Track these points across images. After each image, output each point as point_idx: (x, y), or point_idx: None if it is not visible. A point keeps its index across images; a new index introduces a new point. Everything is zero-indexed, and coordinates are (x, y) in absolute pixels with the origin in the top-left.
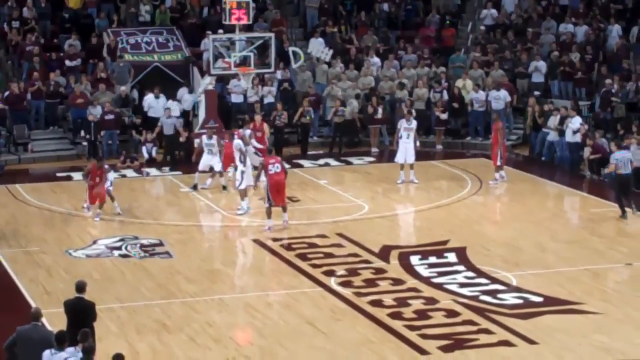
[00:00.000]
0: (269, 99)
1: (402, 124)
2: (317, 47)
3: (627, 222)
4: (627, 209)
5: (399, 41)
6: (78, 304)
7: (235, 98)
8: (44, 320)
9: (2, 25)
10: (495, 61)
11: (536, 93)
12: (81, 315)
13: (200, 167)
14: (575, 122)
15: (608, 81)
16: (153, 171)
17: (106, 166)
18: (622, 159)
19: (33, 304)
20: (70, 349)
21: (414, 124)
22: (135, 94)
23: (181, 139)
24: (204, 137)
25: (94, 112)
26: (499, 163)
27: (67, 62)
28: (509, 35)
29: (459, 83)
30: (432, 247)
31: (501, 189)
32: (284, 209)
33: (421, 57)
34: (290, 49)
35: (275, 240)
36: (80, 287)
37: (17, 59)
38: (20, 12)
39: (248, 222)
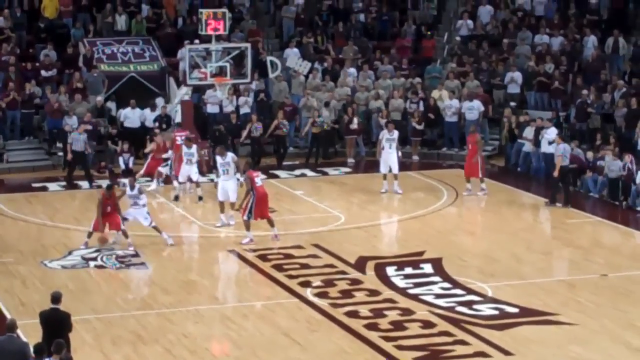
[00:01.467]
0: (245, 109)
1: (384, 134)
2: (294, 59)
3: (602, 232)
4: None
5: (375, 52)
6: (53, 315)
7: (211, 108)
8: (19, 331)
9: None
10: (471, 72)
11: (512, 104)
12: (57, 326)
13: (181, 178)
14: (551, 133)
15: (584, 92)
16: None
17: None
18: (565, 152)
19: (8, 315)
20: None
21: (396, 134)
22: (113, 105)
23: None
24: (184, 147)
25: (70, 123)
26: (480, 175)
27: (43, 72)
28: (485, 46)
29: (435, 94)
30: (408, 258)
31: (477, 201)
32: (271, 223)
33: (397, 67)
34: (268, 58)
35: (253, 251)
36: (56, 298)
37: None
38: None
39: (225, 233)
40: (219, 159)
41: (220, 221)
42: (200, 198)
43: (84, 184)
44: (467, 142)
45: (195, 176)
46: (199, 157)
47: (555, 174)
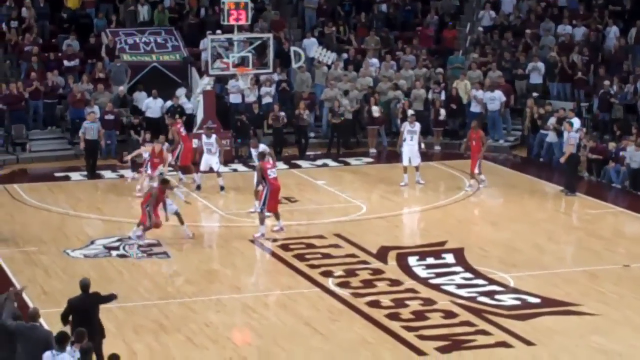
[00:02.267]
0: (267, 100)
1: (406, 126)
2: (318, 50)
3: (624, 222)
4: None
5: (397, 42)
6: (84, 301)
7: (234, 98)
8: (41, 320)
9: (0, 25)
10: (494, 62)
11: (534, 94)
12: (88, 311)
13: (202, 167)
14: (575, 123)
15: (606, 82)
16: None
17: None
18: (577, 140)
19: (31, 304)
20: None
21: (417, 126)
22: (143, 94)
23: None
24: (204, 136)
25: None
26: (477, 170)
27: (66, 62)
28: (507, 37)
29: (457, 84)
30: (430, 248)
31: (499, 191)
32: (277, 216)
33: (419, 58)
34: (292, 48)
35: (274, 240)
36: (85, 285)
37: (15, 58)
38: (19, 12)
39: (246, 222)
40: (253, 151)
41: (254, 207)
42: (222, 188)
43: (106, 173)
44: (470, 138)
45: (216, 166)
46: (219, 147)
47: (562, 160)
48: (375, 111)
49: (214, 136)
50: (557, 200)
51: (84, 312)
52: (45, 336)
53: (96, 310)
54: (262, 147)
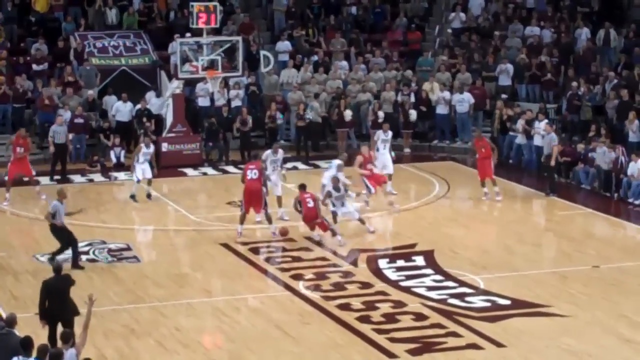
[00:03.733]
0: (237, 103)
1: (380, 135)
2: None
3: (594, 224)
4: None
5: (367, 44)
6: (58, 281)
7: (203, 101)
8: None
9: None
10: (463, 64)
11: (503, 96)
12: (61, 291)
13: (140, 175)
14: (543, 125)
15: (575, 84)
16: (121, 175)
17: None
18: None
19: (1, 310)
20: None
21: (390, 134)
22: (113, 98)
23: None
24: (143, 145)
25: (64, 116)
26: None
27: (34, 66)
28: (476, 39)
29: (426, 86)
30: (400, 250)
31: (469, 193)
32: (269, 220)
33: (389, 60)
34: (262, 52)
35: (244, 244)
36: (58, 268)
37: None
38: None
39: (216, 226)
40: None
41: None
42: (149, 196)
43: (76, 177)
44: (477, 146)
45: (150, 174)
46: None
47: (552, 162)
48: (348, 115)
49: (152, 146)
50: (527, 201)
51: (59, 292)
52: (18, 343)
53: (68, 290)
54: (280, 152)
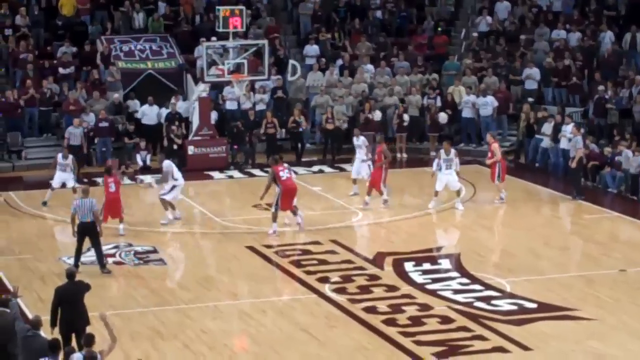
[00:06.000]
0: (261, 107)
1: (442, 156)
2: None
3: (620, 227)
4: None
5: (393, 48)
6: (70, 287)
7: (230, 105)
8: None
9: None
10: (489, 68)
11: (529, 100)
12: (74, 297)
13: (55, 184)
14: (570, 128)
15: (601, 87)
16: (147, 178)
17: None
18: (582, 143)
19: (27, 312)
20: (77, 354)
21: (453, 154)
22: (137, 103)
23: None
24: (60, 156)
25: (88, 120)
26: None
27: (61, 70)
28: (502, 42)
29: (452, 89)
30: (426, 253)
31: (494, 196)
32: (295, 212)
33: (414, 64)
34: (290, 61)
35: (269, 247)
36: (71, 274)
37: (10, 66)
38: (13, 19)
39: (242, 229)
40: (354, 139)
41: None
42: (45, 203)
43: (100, 179)
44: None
45: (72, 182)
46: (74, 166)
47: (573, 164)
48: (377, 116)
49: (70, 157)
50: (553, 205)
51: (71, 299)
52: (45, 345)
53: (82, 297)
54: (362, 139)
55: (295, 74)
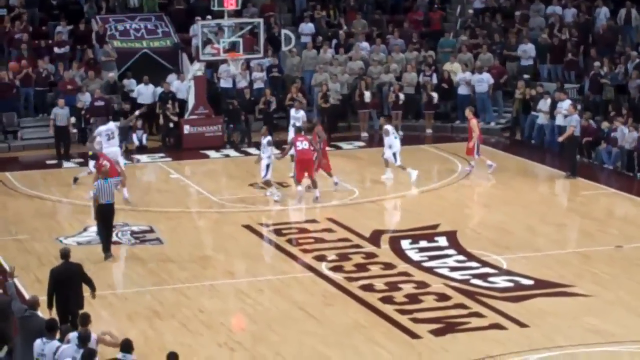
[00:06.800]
0: (259, 85)
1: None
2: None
3: (617, 203)
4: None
5: (388, 25)
6: (66, 268)
7: (225, 83)
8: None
9: None
10: (484, 45)
11: (525, 76)
12: (70, 279)
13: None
14: (566, 105)
15: (597, 64)
16: (143, 158)
17: None
18: (577, 122)
19: (25, 292)
20: (73, 334)
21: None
22: (132, 81)
23: (72, 130)
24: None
25: (83, 99)
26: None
27: (56, 49)
28: (498, 19)
29: (448, 66)
30: (422, 231)
31: (491, 173)
32: (314, 184)
33: (410, 41)
34: (283, 31)
35: (265, 225)
36: (65, 253)
37: (5, 46)
38: None
39: (238, 208)
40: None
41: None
42: (75, 180)
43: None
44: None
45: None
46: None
47: (560, 139)
48: (367, 97)
49: None
50: (550, 182)
51: (67, 279)
52: (42, 325)
53: (78, 279)
54: (269, 138)
55: (290, 44)
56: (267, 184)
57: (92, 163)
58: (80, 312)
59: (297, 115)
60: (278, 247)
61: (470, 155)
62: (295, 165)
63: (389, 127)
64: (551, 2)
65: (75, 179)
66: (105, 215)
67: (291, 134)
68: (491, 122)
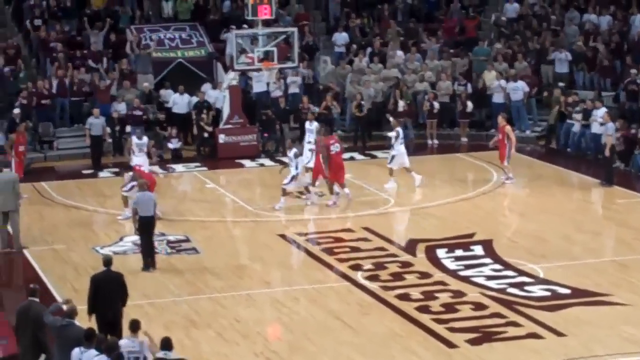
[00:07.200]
0: (294, 89)
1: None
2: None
3: None
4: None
5: (422, 33)
6: (107, 276)
7: (257, 87)
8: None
9: (26, 23)
10: (519, 53)
11: (561, 84)
12: (111, 286)
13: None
14: (601, 113)
15: (633, 71)
16: (179, 167)
17: None
18: (613, 130)
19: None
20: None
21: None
22: (170, 93)
23: (108, 140)
24: (134, 137)
25: (119, 109)
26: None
27: (91, 59)
28: (532, 27)
29: (484, 75)
30: (458, 240)
31: (526, 182)
32: (343, 186)
33: (444, 49)
34: (322, 57)
35: (301, 235)
36: (107, 261)
37: (41, 56)
38: (45, 8)
39: (274, 217)
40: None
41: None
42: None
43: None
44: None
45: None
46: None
47: (607, 152)
48: (401, 106)
49: (145, 138)
50: (586, 190)
51: (106, 286)
52: (80, 334)
53: (117, 286)
54: (295, 150)
55: (325, 69)
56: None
57: (128, 175)
58: (131, 318)
59: (311, 127)
60: (313, 256)
61: (502, 163)
62: (330, 169)
63: (400, 130)
64: (586, 10)
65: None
66: (145, 227)
67: (306, 150)
68: (526, 130)
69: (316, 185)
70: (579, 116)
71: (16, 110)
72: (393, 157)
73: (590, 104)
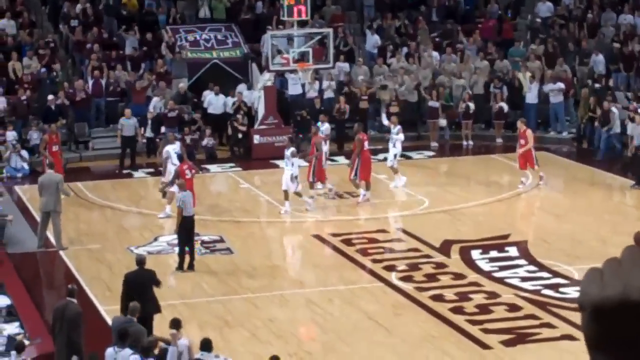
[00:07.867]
0: (329, 94)
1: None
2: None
3: None
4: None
5: (459, 34)
6: (140, 274)
7: (293, 89)
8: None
9: (62, 24)
10: (554, 53)
11: (596, 85)
12: (143, 284)
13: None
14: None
15: None
16: (213, 168)
17: None
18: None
19: (96, 302)
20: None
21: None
22: (207, 93)
23: (141, 140)
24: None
25: (157, 105)
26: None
27: (128, 60)
28: (568, 27)
29: (520, 75)
30: (492, 241)
31: (561, 183)
32: (368, 186)
33: (481, 50)
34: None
35: (335, 235)
36: (141, 260)
37: (78, 57)
38: (81, 10)
39: (308, 217)
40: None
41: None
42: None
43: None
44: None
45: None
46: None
47: (629, 152)
48: (435, 105)
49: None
50: (621, 192)
51: (140, 285)
52: (141, 332)
53: (150, 284)
54: (292, 149)
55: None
56: (298, 194)
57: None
58: (172, 318)
59: (322, 128)
60: (348, 257)
61: (532, 167)
62: (360, 166)
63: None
64: (622, 10)
65: (164, 194)
66: (188, 227)
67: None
68: (563, 131)
69: (319, 188)
70: (614, 117)
71: (50, 97)
72: (395, 155)
73: (633, 107)
